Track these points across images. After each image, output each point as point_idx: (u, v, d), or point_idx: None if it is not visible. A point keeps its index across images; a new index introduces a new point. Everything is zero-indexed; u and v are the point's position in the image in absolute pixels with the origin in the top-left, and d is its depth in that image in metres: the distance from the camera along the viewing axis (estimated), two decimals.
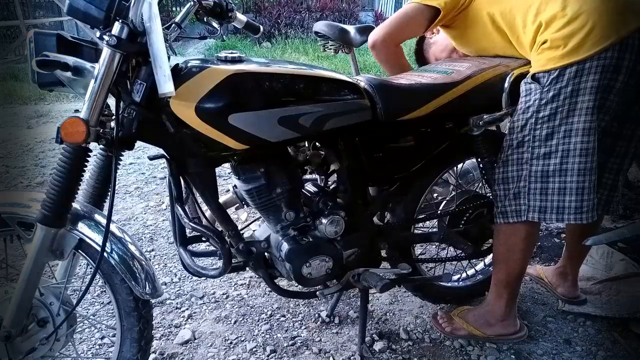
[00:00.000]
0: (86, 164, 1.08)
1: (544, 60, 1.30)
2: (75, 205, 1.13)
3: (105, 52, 0.99)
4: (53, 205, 1.06)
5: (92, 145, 1.08)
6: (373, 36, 1.59)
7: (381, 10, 11.74)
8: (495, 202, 1.46)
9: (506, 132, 1.42)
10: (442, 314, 1.67)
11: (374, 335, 1.66)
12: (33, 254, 1.09)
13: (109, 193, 1.09)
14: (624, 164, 1.46)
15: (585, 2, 1.25)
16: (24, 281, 1.10)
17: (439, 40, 1.87)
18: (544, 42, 1.29)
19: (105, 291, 1.84)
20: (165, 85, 0.92)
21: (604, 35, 1.22)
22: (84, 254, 1.16)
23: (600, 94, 1.26)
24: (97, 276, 1.13)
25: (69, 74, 1.02)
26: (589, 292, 1.85)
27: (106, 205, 1.21)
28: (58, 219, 1.08)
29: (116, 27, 0.99)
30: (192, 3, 1.24)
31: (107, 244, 1.11)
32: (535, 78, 1.32)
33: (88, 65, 1.03)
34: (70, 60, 1.01)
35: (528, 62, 1.46)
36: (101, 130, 1.06)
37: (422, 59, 1.97)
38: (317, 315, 1.76)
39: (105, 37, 0.97)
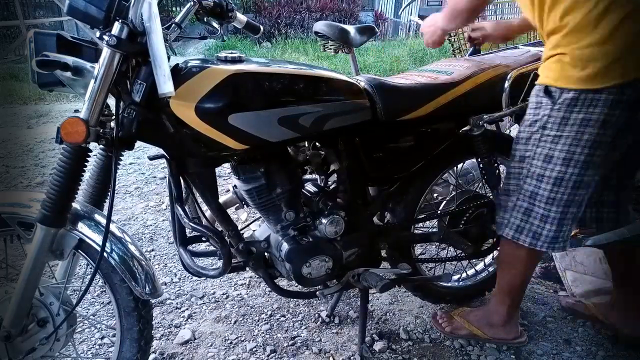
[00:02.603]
0: (86, 164, 1.08)
1: (560, 74, 1.20)
2: (75, 205, 1.13)
3: (105, 52, 1.00)
4: (53, 205, 1.06)
5: (92, 145, 1.08)
6: None
7: (381, 10, 11.74)
8: (497, 211, 1.44)
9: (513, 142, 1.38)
10: (441, 314, 1.67)
11: (374, 335, 1.66)
12: (33, 254, 1.09)
13: (109, 193, 1.09)
14: (626, 179, 1.42)
15: (619, 28, 1.12)
16: (24, 281, 1.10)
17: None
18: (564, 54, 1.18)
19: (105, 291, 1.84)
20: (165, 85, 0.92)
21: (629, 69, 1.13)
22: (83, 254, 1.16)
23: (613, 131, 1.19)
24: (97, 276, 1.13)
25: (69, 74, 1.02)
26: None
27: (106, 205, 1.20)
28: (58, 219, 1.08)
29: (116, 27, 0.99)
30: (192, 3, 1.24)
31: (107, 244, 1.11)
32: (547, 91, 1.24)
33: (88, 65, 1.03)
34: (70, 60, 1.01)
35: (528, 62, 1.46)
36: (101, 131, 1.06)
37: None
38: (317, 315, 1.76)
39: (105, 37, 0.97)
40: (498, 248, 1.59)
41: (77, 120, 1.00)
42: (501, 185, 1.44)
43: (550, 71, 1.23)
